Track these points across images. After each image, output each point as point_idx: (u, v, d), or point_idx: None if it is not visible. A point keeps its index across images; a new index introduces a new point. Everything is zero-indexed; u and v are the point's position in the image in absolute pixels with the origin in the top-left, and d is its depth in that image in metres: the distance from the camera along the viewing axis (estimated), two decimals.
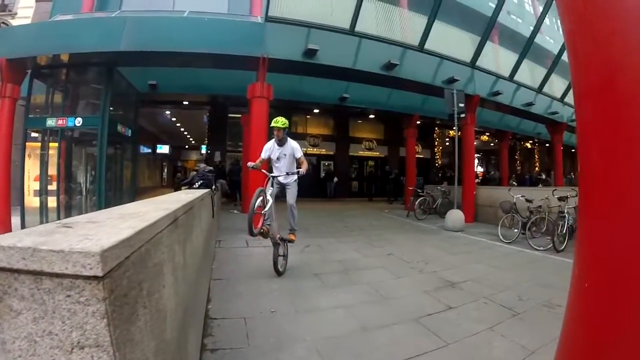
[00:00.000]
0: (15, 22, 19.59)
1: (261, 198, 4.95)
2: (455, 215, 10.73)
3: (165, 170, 31.66)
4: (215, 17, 10.92)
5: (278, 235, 5.54)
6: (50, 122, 10.62)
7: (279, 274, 5.43)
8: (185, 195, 3.68)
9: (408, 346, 3.35)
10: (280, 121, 5.54)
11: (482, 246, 8.47)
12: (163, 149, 30.08)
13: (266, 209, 5.05)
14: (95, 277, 0.91)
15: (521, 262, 6.89)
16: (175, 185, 16.44)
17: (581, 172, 1.59)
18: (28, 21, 18.85)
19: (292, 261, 6.11)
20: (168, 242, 1.70)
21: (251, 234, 4.78)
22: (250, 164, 5.63)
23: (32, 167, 11.71)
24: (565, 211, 8.15)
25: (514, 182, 18.90)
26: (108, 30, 10.06)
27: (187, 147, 33.77)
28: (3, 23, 19.99)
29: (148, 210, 1.84)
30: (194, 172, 7.63)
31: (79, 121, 10.49)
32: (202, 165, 7.39)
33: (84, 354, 0.93)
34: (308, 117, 21.71)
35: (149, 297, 1.29)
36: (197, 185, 5.96)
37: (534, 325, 3.88)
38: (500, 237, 8.88)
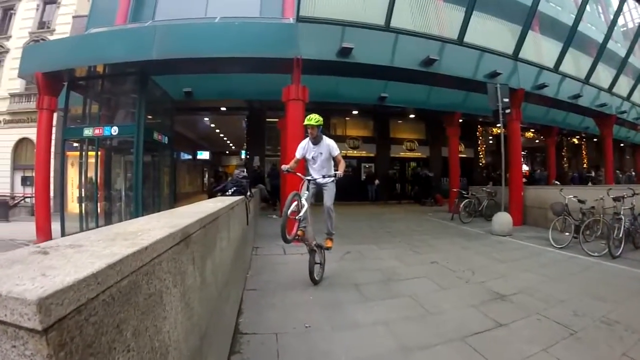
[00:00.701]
0: (53, 38, 20.44)
1: (295, 202, 4.70)
2: (503, 219, 10.15)
3: (207, 175, 32.15)
4: (246, 21, 10.77)
5: (314, 242, 5.30)
6: (87, 132, 10.76)
7: (315, 282, 5.19)
8: (213, 204, 3.43)
9: None
10: (313, 118, 5.20)
11: (532, 252, 7.93)
12: (203, 154, 30.54)
13: (301, 213, 4.81)
14: (35, 331, 0.73)
15: (575, 271, 6.36)
16: (209, 192, 16.17)
17: None
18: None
19: (330, 269, 5.86)
20: (174, 265, 1.54)
21: (285, 240, 4.52)
22: (284, 166, 5.35)
23: (74, 175, 11.99)
24: (622, 213, 7.54)
25: (556, 182, 17.83)
26: (139, 39, 10.13)
27: (227, 152, 34.27)
28: (42, 39, 20.81)
29: (153, 227, 1.64)
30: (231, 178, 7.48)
31: (115, 130, 10.61)
32: (237, 171, 7.18)
33: None
34: (347, 118, 21.43)
35: (137, 337, 1.12)
36: (230, 192, 5.70)
37: (593, 346, 3.47)
38: (552, 241, 8.32)
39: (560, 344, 3.48)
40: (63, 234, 10.19)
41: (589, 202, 8.47)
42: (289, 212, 4.50)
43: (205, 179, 31.42)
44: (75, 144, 11.70)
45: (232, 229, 3.77)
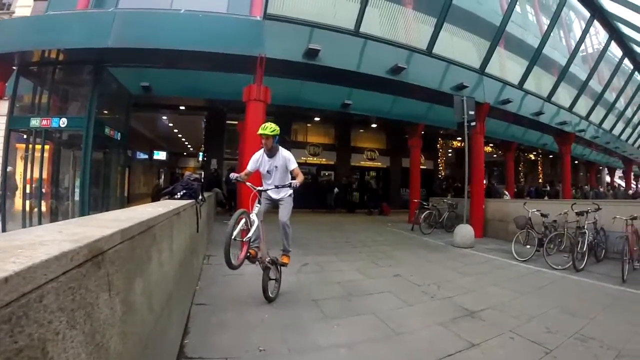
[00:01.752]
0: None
1: (243, 221, 4.24)
2: (465, 231, 10.11)
3: (163, 177, 31.06)
4: (210, 14, 10.32)
5: (268, 258, 4.83)
6: (35, 122, 10.11)
7: (269, 300, 4.73)
8: (152, 209, 2.93)
9: None
10: (268, 127, 4.78)
11: (496, 265, 7.88)
12: (160, 155, 29.42)
13: (250, 233, 4.35)
14: None
15: (541, 284, 6.30)
16: (154, 194, 15.03)
17: None
18: None
19: (288, 282, 5.48)
20: (71, 297, 1.12)
21: (230, 266, 3.98)
22: (233, 175, 4.93)
23: (20, 168, 11.36)
24: (585, 227, 7.64)
25: (506, 194, 18.19)
26: (97, 25, 9.51)
27: (185, 153, 33.40)
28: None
29: (49, 241, 1.22)
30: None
31: (63, 122, 9.96)
32: (187, 173, 6.69)
33: None
34: (308, 125, 21.35)
35: None
36: (179, 196, 5.20)
37: None
38: (514, 254, 8.39)
39: None
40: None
41: (551, 216, 8.64)
42: (234, 235, 3.99)
43: (162, 181, 30.28)
44: (24, 136, 11.01)
45: (176, 238, 3.30)
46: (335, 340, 3.72)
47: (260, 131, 4.77)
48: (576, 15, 23.40)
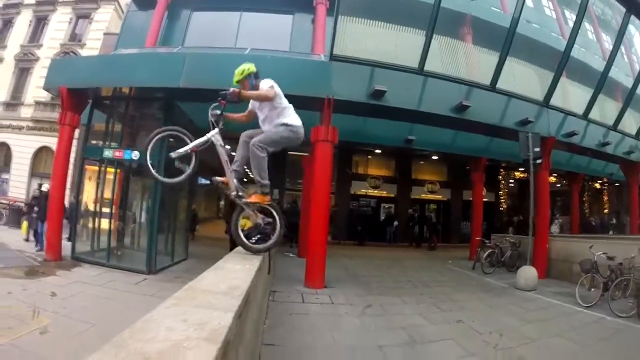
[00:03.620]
0: (83, 52, 20.98)
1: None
2: (528, 273, 9.89)
3: (223, 201, 32.12)
4: (277, 55, 10.71)
5: (234, 193, 4.14)
6: (107, 153, 10.64)
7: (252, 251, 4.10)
8: (242, 271, 2.97)
9: None
10: (235, 77, 4.16)
11: (560, 312, 7.70)
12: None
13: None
14: None
15: (605, 335, 6.23)
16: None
17: None
18: (95, 52, 20.05)
19: (352, 325, 5.48)
20: None
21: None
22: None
23: (90, 190, 11.84)
24: None
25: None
26: (167, 65, 10.07)
27: (245, 180, 34.27)
28: (72, 52, 21.20)
29: (182, 340, 1.30)
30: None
31: (135, 155, 10.34)
32: (261, 216, 6.85)
33: None
34: (369, 157, 21.43)
35: None
36: (254, 241, 5.37)
37: None
38: (578, 299, 8.16)
39: None
40: (73, 252, 10.32)
41: (617, 258, 8.28)
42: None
43: (222, 204, 31.36)
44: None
45: (259, 291, 3.41)
46: None
47: (234, 84, 4.15)
48: (636, 29, 22.27)
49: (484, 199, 18.28)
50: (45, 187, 11.93)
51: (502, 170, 23.07)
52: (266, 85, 4.08)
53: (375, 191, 21.38)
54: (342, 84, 9.44)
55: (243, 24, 16.59)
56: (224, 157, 4.16)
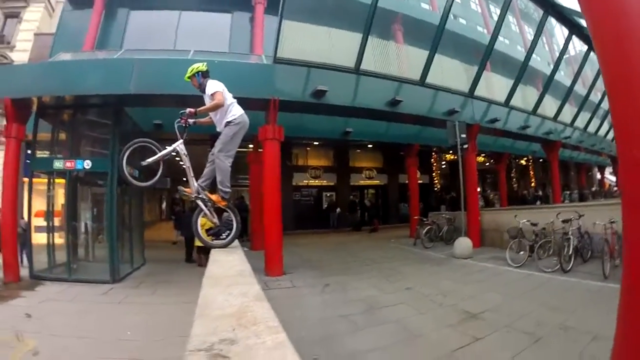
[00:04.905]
0: (13, 55, 19.49)
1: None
2: (464, 243, 11.03)
3: (165, 203, 31.17)
4: (225, 60, 11.10)
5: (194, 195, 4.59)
6: (58, 164, 10.26)
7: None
8: (238, 262, 3.42)
9: None
10: (188, 71, 4.55)
11: (493, 272, 8.80)
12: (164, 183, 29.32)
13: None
14: None
15: (532, 287, 7.26)
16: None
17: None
18: (27, 54, 18.72)
19: (315, 303, 6.22)
20: None
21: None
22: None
23: (40, 205, 11.56)
24: (570, 233, 8.50)
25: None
26: (117, 72, 9.99)
27: (185, 179, 33.42)
28: (1, 56, 19.97)
29: None
30: None
31: (88, 164, 10.19)
32: (225, 214, 7.37)
33: None
34: (308, 149, 21.94)
35: None
36: (224, 237, 5.97)
37: (554, 349, 4.30)
38: (509, 261, 9.19)
39: (527, 349, 4.26)
40: (31, 270, 9.93)
41: (540, 224, 9.50)
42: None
43: (164, 206, 30.47)
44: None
45: None
46: (369, 345, 4.65)
47: (186, 79, 4.62)
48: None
49: (419, 181, 19.32)
50: None
51: (434, 153, 24.18)
52: (212, 89, 4.34)
53: (316, 181, 21.96)
54: (285, 85, 10.01)
55: (182, 23, 16.61)
56: (186, 164, 4.52)
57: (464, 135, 11.48)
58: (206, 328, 1.50)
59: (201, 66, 4.56)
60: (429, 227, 13.79)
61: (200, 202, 4.53)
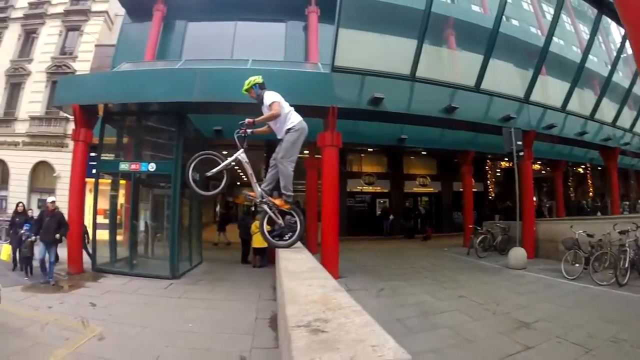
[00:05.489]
0: (75, 65, 20.62)
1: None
2: (518, 253, 10.86)
3: (218, 206, 32.23)
4: (284, 69, 11.44)
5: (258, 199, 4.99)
6: (123, 167, 10.88)
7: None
8: (308, 260, 3.81)
9: None
10: (245, 84, 4.99)
11: (547, 284, 8.68)
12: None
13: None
14: None
15: (587, 299, 7.22)
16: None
17: None
18: (88, 64, 19.71)
19: (370, 305, 6.32)
20: None
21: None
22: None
23: (103, 204, 12.12)
24: (627, 245, 8.29)
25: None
26: (179, 80, 10.50)
27: (238, 183, 34.36)
28: (65, 65, 21.15)
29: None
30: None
31: (152, 166, 10.73)
32: (288, 217, 7.71)
33: None
34: (362, 155, 22.06)
35: None
36: (287, 238, 6.24)
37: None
38: (564, 273, 9.05)
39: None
40: (94, 263, 10.57)
41: (597, 235, 9.24)
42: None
43: (217, 209, 31.48)
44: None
45: None
46: (423, 347, 4.76)
47: (243, 92, 5.05)
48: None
49: (474, 190, 19.12)
50: (50, 200, 9.79)
51: (488, 161, 23.66)
52: (269, 99, 4.73)
53: (370, 187, 22.02)
54: (343, 93, 10.20)
55: (238, 33, 17.11)
56: (249, 171, 4.92)
57: (520, 142, 11.34)
58: (299, 311, 1.77)
59: (257, 78, 4.95)
60: (483, 236, 13.62)
61: (265, 207, 4.90)
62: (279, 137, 4.89)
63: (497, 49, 12.19)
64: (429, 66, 11.44)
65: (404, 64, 10.85)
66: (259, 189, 4.91)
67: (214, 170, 4.82)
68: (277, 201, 4.87)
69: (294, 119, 4.84)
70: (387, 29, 11.57)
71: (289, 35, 17.49)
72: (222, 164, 4.82)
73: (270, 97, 4.77)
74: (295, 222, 4.92)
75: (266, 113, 4.78)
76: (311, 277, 2.76)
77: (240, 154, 4.86)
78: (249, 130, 4.78)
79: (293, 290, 2.22)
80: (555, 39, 13.71)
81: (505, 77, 13.35)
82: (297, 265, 3.52)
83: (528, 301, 7.08)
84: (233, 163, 4.89)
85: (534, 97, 13.41)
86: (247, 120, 4.68)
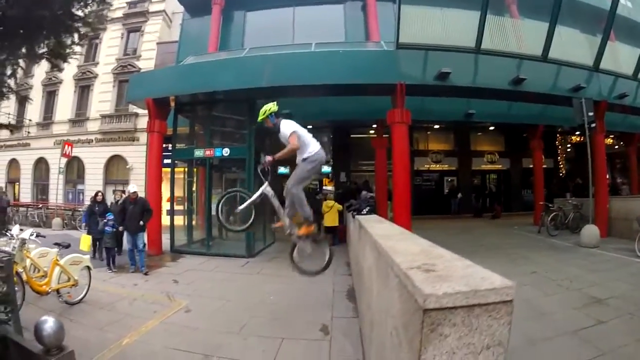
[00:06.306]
0: (139, 63, 21.90)
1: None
2: (591, 231, 10.55)
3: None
4: (350, 49, 11.68)
5: (288, 231, 5.18)
6: (198, 153, 11.49)
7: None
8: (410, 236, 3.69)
9: (572, 355, 3.99)
10: (259, 115, 5.07)
11: (620, 263, 8.50)
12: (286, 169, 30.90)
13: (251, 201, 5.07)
14: (509, 301, 1.41)
15: None
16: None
17: None
18: (151, 62, 20.91)
19: None
20: None
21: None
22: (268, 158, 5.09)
23: (163, 191, 12.74)
24: None
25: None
26: (247, 68, 10.89)
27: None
28: (129, 65, 22.45)
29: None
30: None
31: (226, 151, 11.21)
32: (364, 192, 8.04)
33: (489, 353, 1.42)
34: (429, 133, 21.93)
35: None
36: (365, 212, 6.52)
37: None
38: (638, 252, 8.79)
39: None
40: (172, 245, 11.35)
41: None
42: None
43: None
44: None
45: None
46: None
47: (259, 121, 5.15)
48: None
49: (544, 166, 18.58)
50: (133, 189, 9.30)
51: (558, 135, 22.78)
52: (288, 130, 4.76)
53: (437, 165, 21.91)
54: (410, 69, 10.27)
55: (297, 19, 17.42)
56: (276, 204, 5.12)
57: (591, 114, 10.93)
58: (406, 259, 2.00)
59: (272, 107, 4.97)
60: (554, 213, 13.26)
61: (294, 239, 5.16)
62: (296, 161, 4.98)
63: (562, 15, 11.56)
64: (494, 37, 11.19)
65: (468, 37, 10.65)
66: (287, 221, 5.09)
67: (242, 206, 5.07)
68: (302, 231, 5.05)
69: (313, 148, 4.89)
70: (448, 3, 11.38)
71: (348, 16, 17.51)
72: (250, 200, 5.05)
73: (287, 127, 4.81)
74: (326, 253, 5.27)
75: (285, 141, 4.85)
76: (403, 238, 3.00)
77: (266, 188, 5.05)
78: (269, 165, 5.08)
79: (392, 248, 2.42)
80: (622, 1, 13.00)
81: (572, 44, 12.71)
82: (384, 230, 3.77)
83: (601, 279, 7.04)
84: (260, 197, 5.06)
85: (604, 64, 12.69)
86: (267, 158, 4.97)
